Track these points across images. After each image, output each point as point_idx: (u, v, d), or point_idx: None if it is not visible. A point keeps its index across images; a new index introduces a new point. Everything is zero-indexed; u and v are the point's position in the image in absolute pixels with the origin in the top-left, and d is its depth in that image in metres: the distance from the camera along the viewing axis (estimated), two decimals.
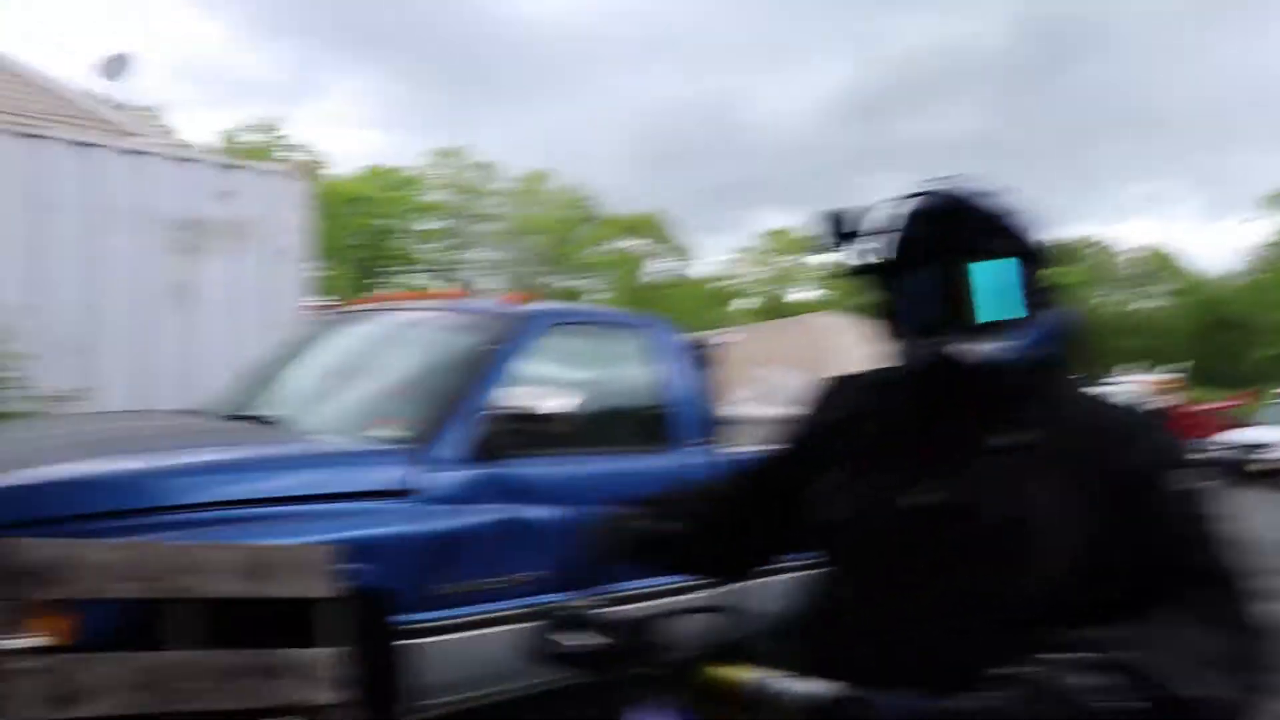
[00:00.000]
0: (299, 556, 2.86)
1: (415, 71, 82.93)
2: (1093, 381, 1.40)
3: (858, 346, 6.76)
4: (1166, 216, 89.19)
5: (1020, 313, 1.36)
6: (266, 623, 2.92)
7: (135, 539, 2.94)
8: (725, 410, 5.25)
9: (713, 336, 6.95)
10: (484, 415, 4.02)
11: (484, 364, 4.21)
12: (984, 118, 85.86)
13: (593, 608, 1.54)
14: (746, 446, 4.99)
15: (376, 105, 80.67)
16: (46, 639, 2.63)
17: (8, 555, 2.48)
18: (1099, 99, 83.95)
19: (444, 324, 4.76)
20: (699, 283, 65.72)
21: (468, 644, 3.80)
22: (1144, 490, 1.31)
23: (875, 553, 1.41)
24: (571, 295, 56.99)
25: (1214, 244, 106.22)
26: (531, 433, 4.01)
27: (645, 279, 63.51)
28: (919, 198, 1.42)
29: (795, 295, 70.30)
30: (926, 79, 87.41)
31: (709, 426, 4.85)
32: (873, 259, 1.42)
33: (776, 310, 61.62)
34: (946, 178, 1.46)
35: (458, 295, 5.16)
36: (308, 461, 3.86)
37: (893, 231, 1.40)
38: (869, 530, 1.42)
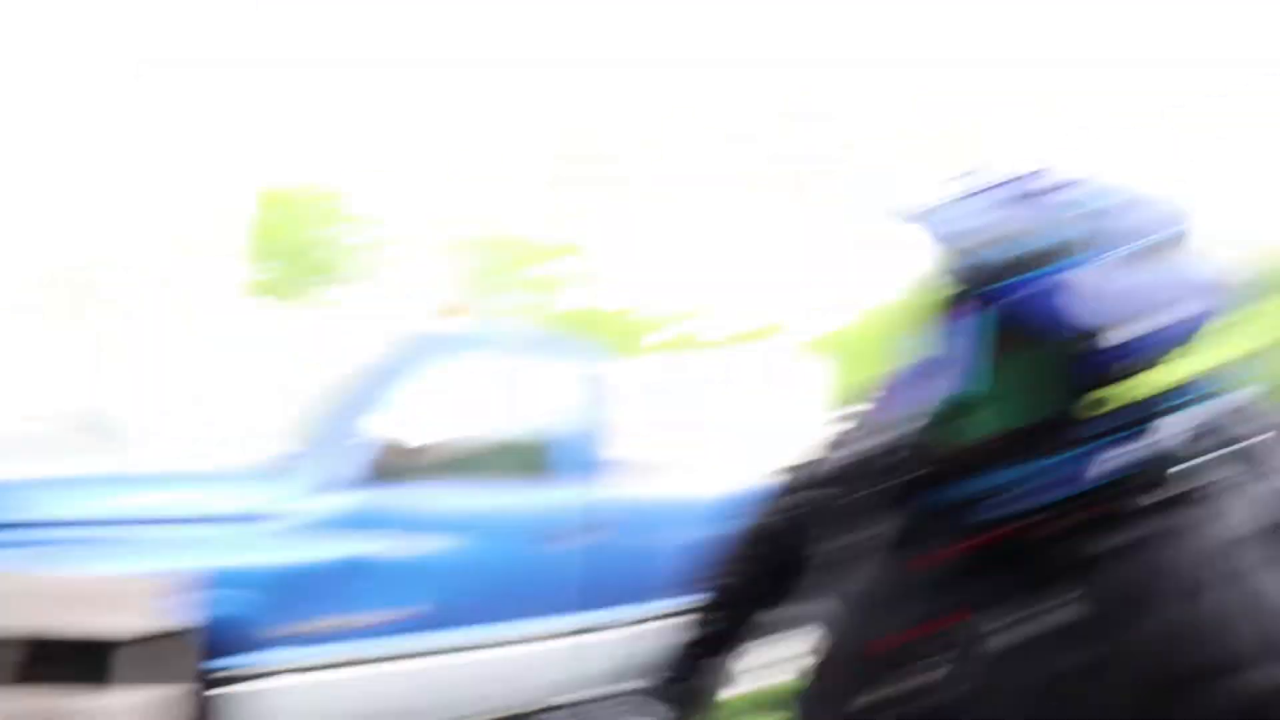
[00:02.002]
0: (117, 588, 2.61)
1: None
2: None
3: (777, 389, 6.59)
4: None
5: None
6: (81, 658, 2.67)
7: None
8: (629, 445, 5.07)
9: (628, 366, 6.78)
10: (365, 438, 3.80)
11: (370, 383, 3.99)
12: None
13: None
14: (644, 484, 4.83)
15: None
16: None
17: None
18: None
19: (346, 338, 4.53)
20: (623, 312, 65.35)
21: (316, 688, 3.56)
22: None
23: None
24: (504, 314, 56.28)
25: None
26: (417, 458, 3.82)
27: (571, 303, 63.02)
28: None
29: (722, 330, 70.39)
30: None
31: (609, 463, 4.66)
32: None
33: (697, 344, 61.46)
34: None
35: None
36: (150, 480, 3.61)
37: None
38: None
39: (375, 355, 4.11)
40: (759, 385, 6.58)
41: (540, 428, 4.50)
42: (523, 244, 60.35)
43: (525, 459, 4.50)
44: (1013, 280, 0.89)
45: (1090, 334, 0.88)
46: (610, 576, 4.50)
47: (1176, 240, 0.92)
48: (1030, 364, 0.94)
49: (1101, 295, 0.88)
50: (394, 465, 3.81)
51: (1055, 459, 0.92)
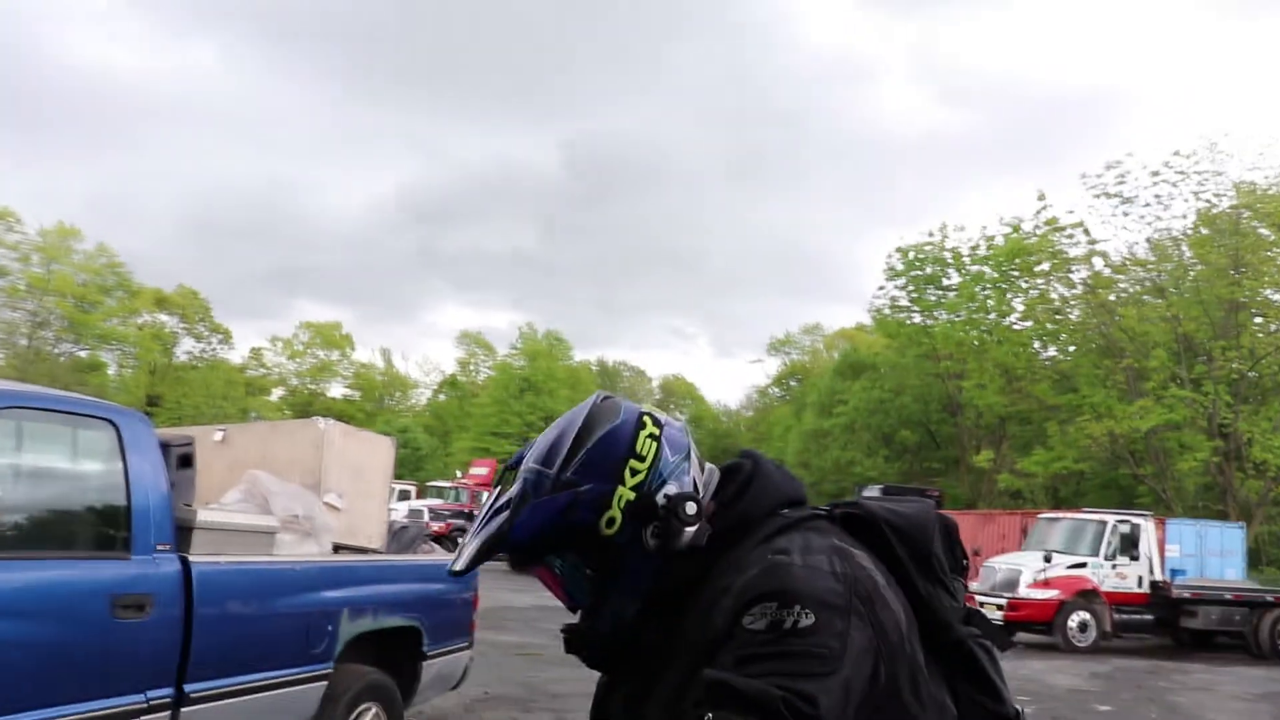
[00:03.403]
0: None
1: None
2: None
3: (371, 459, 6.48)
4: (682, 350, 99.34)
5: (592, 595, 1.46)
6: None
7: None
8: (205, 514, 4.83)
9: (207, 432, 6.47)
10: None
11: None
12: (532, 236, 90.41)
13: None
14: (221, 554, 4.62)
15: None
16: None
17: None
18: (633, 235, 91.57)
19: None
20: (234, 368, 62.44)
21: None
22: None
23: None
24: (90, 366, 51.73)
25: (722, 378, 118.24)
26: None
27: (175, 358, 59.38)
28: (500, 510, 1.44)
29: (336, 392, 68.94)
30: (481, 192, 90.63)
31: (175, 532, 4.39)
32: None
33: (308, 405, 59.86)
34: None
35: None
36: None
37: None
38: None
39: None
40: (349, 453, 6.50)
41: (110, 496, 4.19)
42: (134, 289, 55.24)
43: (92, 530, 4.18)
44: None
45: (565, 512, 1.39)
46: (200, 648, 4.29)
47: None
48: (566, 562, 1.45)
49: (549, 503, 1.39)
50: None
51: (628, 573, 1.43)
